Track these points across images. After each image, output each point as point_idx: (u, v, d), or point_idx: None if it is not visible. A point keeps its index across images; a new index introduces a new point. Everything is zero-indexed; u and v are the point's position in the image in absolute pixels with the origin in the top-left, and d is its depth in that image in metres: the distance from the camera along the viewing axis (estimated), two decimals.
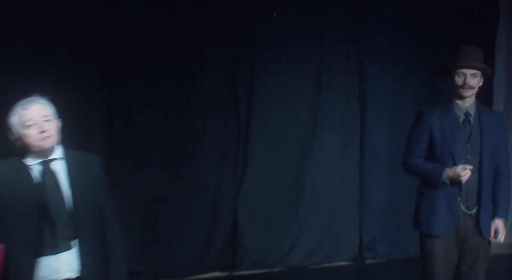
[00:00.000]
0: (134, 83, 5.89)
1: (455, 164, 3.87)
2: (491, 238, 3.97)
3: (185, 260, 6.10)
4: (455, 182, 3.84)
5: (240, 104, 6.28)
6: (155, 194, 5.99)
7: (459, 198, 3.90)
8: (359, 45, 6.65)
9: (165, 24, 5.93)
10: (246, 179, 6.32)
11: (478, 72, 3.88)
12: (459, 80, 3.86)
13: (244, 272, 6.27)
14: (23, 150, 3.04)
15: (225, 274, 6.24)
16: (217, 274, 6.22)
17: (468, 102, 3.94)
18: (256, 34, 6.27)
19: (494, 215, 3.97)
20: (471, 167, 3.80)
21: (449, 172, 3.83)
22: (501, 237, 3.96)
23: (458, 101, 3.95)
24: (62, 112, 3.63)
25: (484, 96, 6.19)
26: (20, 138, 3.01)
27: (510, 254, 6.90)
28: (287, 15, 6.34)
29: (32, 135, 2.98)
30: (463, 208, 3.93)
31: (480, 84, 3.94)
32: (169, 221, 6.05)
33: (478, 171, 3.91)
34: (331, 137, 6.59)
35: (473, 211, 3.94)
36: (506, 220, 4.01)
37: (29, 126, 2.98)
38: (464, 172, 3.77)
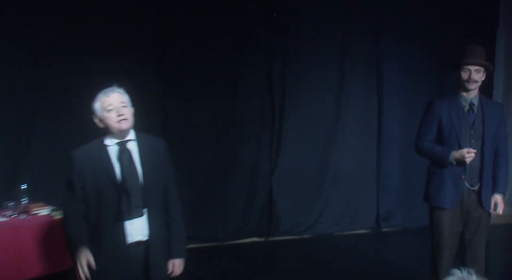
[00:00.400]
0: (186, 78, 6.01)
1: (460, 147, 3.95)
2: (491, 210, 4.05)
3: (229, 227, 6.29)
4: (460, 162, 3.92)
5: (275, 96, 6.38)
6: (204, 171, 6.14)
7: (463, 176, 3.99)
8: (377, 44, 6.70)
9: (212, 29, 6.04)
10: (280, 159, 6.42)
11: (481, 68, 3.95)
12: (464, 75, 3.94)
13: (277, 238, 6.43)
14: (105, 131, 3.20)
15: (262, 239, 6.41)
16: (255, 239, 6.40)
17: (472, 94, 4.01)
18: (288, 35, 6.36)
19: (493, 191, 4.05)
20: (475, 151, 3.87)
21: (455, 154, 3.91)
22: (500, 210, 4.05)
23: (464, 93, 4.02)
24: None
25: (485, 89, 6.37)
26: (102, 121, 3.18)
27: (508, 224, 6.93)
28: (314, 19, 6.41)
29: (112, 118, 3.15)
30: (467, 184, 4.00)
31: (483, 78, 4.01)
32: (215, 195, 6.21)
33: (480, 152, 3.99)
34: (352, 124, 6.69)
35: (476, 187, 4.01)
36: (504, 195, 4.09)
37: (110, 110, 3.15)
38: (469, 155, 3.85)
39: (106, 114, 3.17)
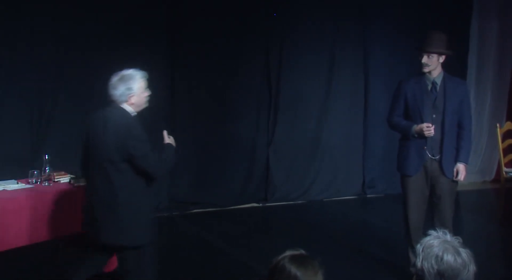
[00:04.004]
0: (192, 58, 6.03)
1: (422, 121, 4.04)
2: (454, 178, 4.10)
3: (229, 194, 6.31)
4: (421, 135, 4.02)
5: (271, 76, 6.39)
6: (207, 143, 6.20)
7: (425, 147, 4.07)
8: (364, 29, 6.70)
9: (216, 13, 6.03)
10: (276, 132, 6.45)
11: (433, 54, 4.00)
12: (420, 59, 4.05)
13: (274, 204, 6.45)
14: (133, 105, 3.29)
15: (260, 205, 6.43)
16: (254, 204, 6.43)
17: (434, 74, 4.07)
18: (284, 21, 6.34)
19: (456, 160, 4.10)
20: (433, 126, 3.97)
21: (416, 128, 4.02)
22: (461, 177, 4.09)
23: (427, 73, 4.08)
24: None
25: (460, 70, 6.47)
26: (136, 98, 3.29)
27: (478, 190, 7.06)
28: (307, 6, 6.41)
29: (144, 97, 3.34)
30: (429, 154, 4.08)
31: (441, 61, 4.05)
32: (217, 165, 6.26)
33: (441, 126, 4.07)
34: (342, 101, 6.71)
35: (437, 157, 4.08)
36: (467, 163, 4.13)
37: (144, 91, 3.33)
38: (427, 129, 3.97)
39: (142, 94, 3.31)
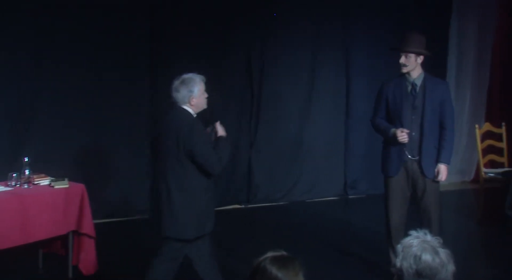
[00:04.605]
0: (174, 59, 5.89)
1: (401, 122, 4.10)
2: (435, 178, 4.10)
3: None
4: (396, 140, 4.08)
5: (253, 77, 6.37)
6: None
7: (405, 148, 4.09)
8: (345, 30, 6.72)
9: (198, 15, 5.98)
10: (258, 133, 6.44)
11: (411, 54, 4.02)
12: (399, 60, 4.09)
13: (256, 205, 6.43)
14: (194, 107, 3.59)
15: (242, 206, 6.40)
16: (236, 206, 6.38)
17: (414, 75, 4.08)
18: (266, 22, 6.35)
19: (438, 160, 4.10)
20: (407, 131, 4.02)
21: (392, 132, 4.08)
22: (442, 177, 4.10)
23: (407, 75, 4.10)
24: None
25: (439, 71, 6.51)
26: (197, 100, 3.58)
27: (458, 190, 7.11)
28: (289, 7, 6.42)
29: (204, 99, 3.64)
30: (408, 155, 4.12)
31: (419, 61, 4.05)
32: None
33: (420, 127, 4.09)
34: (323, 102, 6.70)
35: (416, 158, 4.10)
36: (448, 164, 4.14)
37: (203, 93, 3.63)
38: (401, 134, 4.02)
39: (201, 95, 3.61)
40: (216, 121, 3.79)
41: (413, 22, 6.58)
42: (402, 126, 4.13)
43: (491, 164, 6.56)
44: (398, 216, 4.21)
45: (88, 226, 4.23)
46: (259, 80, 6.44)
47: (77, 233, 4.25)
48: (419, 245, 2.01)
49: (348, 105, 6.85)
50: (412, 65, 4.07)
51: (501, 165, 6.29)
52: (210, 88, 3.68)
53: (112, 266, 4.53)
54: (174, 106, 3.65)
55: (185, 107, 3.60)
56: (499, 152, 6.32)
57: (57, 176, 4.30)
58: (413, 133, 4.11)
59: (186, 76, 3.62)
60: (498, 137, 6.32)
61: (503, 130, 6.28)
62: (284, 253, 2.05)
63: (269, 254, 2.04)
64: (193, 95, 3.57)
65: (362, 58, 6.81)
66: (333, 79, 6.78)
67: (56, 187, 4.16)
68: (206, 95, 3.65)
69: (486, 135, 6.40)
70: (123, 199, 5.87)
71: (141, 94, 5.91)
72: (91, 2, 5.58)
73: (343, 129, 6.87)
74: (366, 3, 6.73)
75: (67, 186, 4.18)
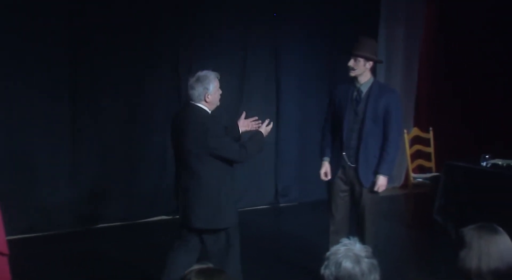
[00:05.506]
0: (96, 67, 5.86)
1: (342, 128, 4.14)
2: (371, 188, 4.11)
3: (138, 206, 6.15)
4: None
5: (181, 83, 6.15)
6: (113, 151, 6.02)
7: (343, 153, 4.15)
8: (276, 32, 6.70)
9: (122, 19, 5.92)
10: None
11: (359, 58, 4.03)
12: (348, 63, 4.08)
13: None
14: (209, 104, 3.75)
15: (170, 217, 6.20)
16: (163, 217, 6.25)
17: (362, 80, 4.10)
18: (194, 25, 6.24)
19: (377, 171, 4.10)
20: (329, 178, 4.22)
21: (322, 163, 4.28)
22: (378, 188, 4.10)
23: (355, 81, 4.12)
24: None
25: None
26: (212, 96, 3.74)
27: (388, 196, 6.81)
28: (218, 9, 6.33)
29: (218, 96, 3.79)
30: (347, 161, 4.17)
31: (368, 66, 4.07)
32: (126, 176, 6.09)
33: (359, 134, 4.10)
34: (253, 106, 6.41)
35: (354, 165, 4.14)
36: (387, 175, 4.11)
37: (218, 89, 3.78)
38: (322, 176, 4.25)
39: (216, 92, 3.77)
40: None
41: (343, 27, 6.69)
42: (342, 132, 4.15)
43: (420, 169, 6.74)
44: (336, 221, 4.25)
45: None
46: (186, 83, 6.23)
47: None
48: (343, 253, 2.04)
49: (278, 110, 6.81)
50: (361, 70, 4.08)
51: (429, 170, 6.46)
52: None
53: None
54: (188, 104, 3.80)
55: (200, 105, 3.76)
56: (427, 157, 6.49)
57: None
58: (352, 141, 4.14)
59: (201, 73, 3.76)
60: (426, 142, 6.50)
61: (430, 135, 6.47)
62: (210, 265, 2.02)
63: (195, 266, 1.99)
64: (209, 92, 3.72)
65: (292, 61, 6.81)
66: (263, 83, 6.73)
67: None
68: (220, 92, 3.79)
69: (414, 140, 6.58)
70: (43, 211, 5.66)
71: (61, 98, 5.77)
72: (6, 2, 5.38)
73: (273, 135, 6.72)
74: (296, 6, 6.73)
75: None
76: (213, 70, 3.90)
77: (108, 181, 6.03)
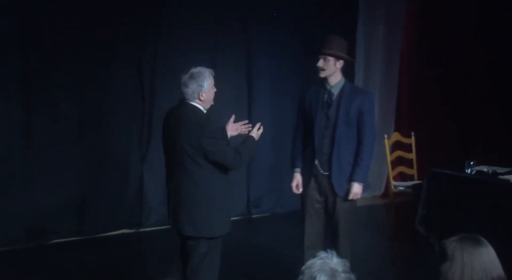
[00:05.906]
0: (53, 71, 5.73)
1: (313, 133, 4.01)
2: (346, 197, 4.02)
3: (96, 219, 5.94)
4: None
5: (144, 85, 6.12)
6: (70, 159, 5.84)
7: (316, 162, 4.03)
8: (246, 32, 6.58)
9: (83, 20, 5.76)
10: (151, 147, 6.12)
11: (329, 58, 3.91)
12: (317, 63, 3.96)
13: (149, 229, 6.15)
14: (203, 102, 3.69)
15: (133, 230, 6.11)
16: (126, 231, 6.08)
17: (332, 82, 3.98)
18: (159, 24, 6.13)
19: (350, 178, 4.00)
20: (300, 191, 4.14)
21: (294, 175, 4.20)
22: (353, 196, 4.00)
23: (326, 83, 4.00)
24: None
25: (348, 77, 6.48)
26: (206, 94, 3.66)
27: (368, 205, 6.99)
28: (186, 7, 6.20)
29: (212, 94, 3.72)
30: (320, 169, 4.04)
31: (338, 66, 3.94)
32: (82, 184, 5.90)
33: (331, 139, 3.99)
34: (223, 110, 6.04)
35: (327, 173, 4.02)
36: (361, 182, 4.00)
37: (212, 87, 3.70)
38: (294, 189, 4.17)
39: (211, 90, 3.69)
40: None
41: (320, 26, 6.53)
42: (313, 138, 4.02)
43: (401, 177, 6.62)
44: (309, 233, 4.14)
45: None
46: (151, 88, 6.15)
47: None
48: (319, 267, 2.04)
49: (250, 114, 6.59)
50: (331, 70, 3.95)
51: (410, 178, 6.30)
52: None
53: None
54: (182, 103, 3.71)
55: (194, 103, 3.68)
56: (408, 163, 6.33)
57: None
58: (324, 147, 4.02)
59: (195, 70, 3.67)
60: (408, 148, 6.32)
61: (412, 141, 6.29)
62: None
63: None
64: (203, 89, 3.64)
65: (264, 60, 6.68)
66: (233, 85, 6.51)
67: None
68: (215, 89, 3.71)
69: (395, 146, 6.41)
70: None
71: (12, 101, 5.59)
72: None
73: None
74: (269, 3, 6.59)
75: None
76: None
77: (65, 192, 5.83)
